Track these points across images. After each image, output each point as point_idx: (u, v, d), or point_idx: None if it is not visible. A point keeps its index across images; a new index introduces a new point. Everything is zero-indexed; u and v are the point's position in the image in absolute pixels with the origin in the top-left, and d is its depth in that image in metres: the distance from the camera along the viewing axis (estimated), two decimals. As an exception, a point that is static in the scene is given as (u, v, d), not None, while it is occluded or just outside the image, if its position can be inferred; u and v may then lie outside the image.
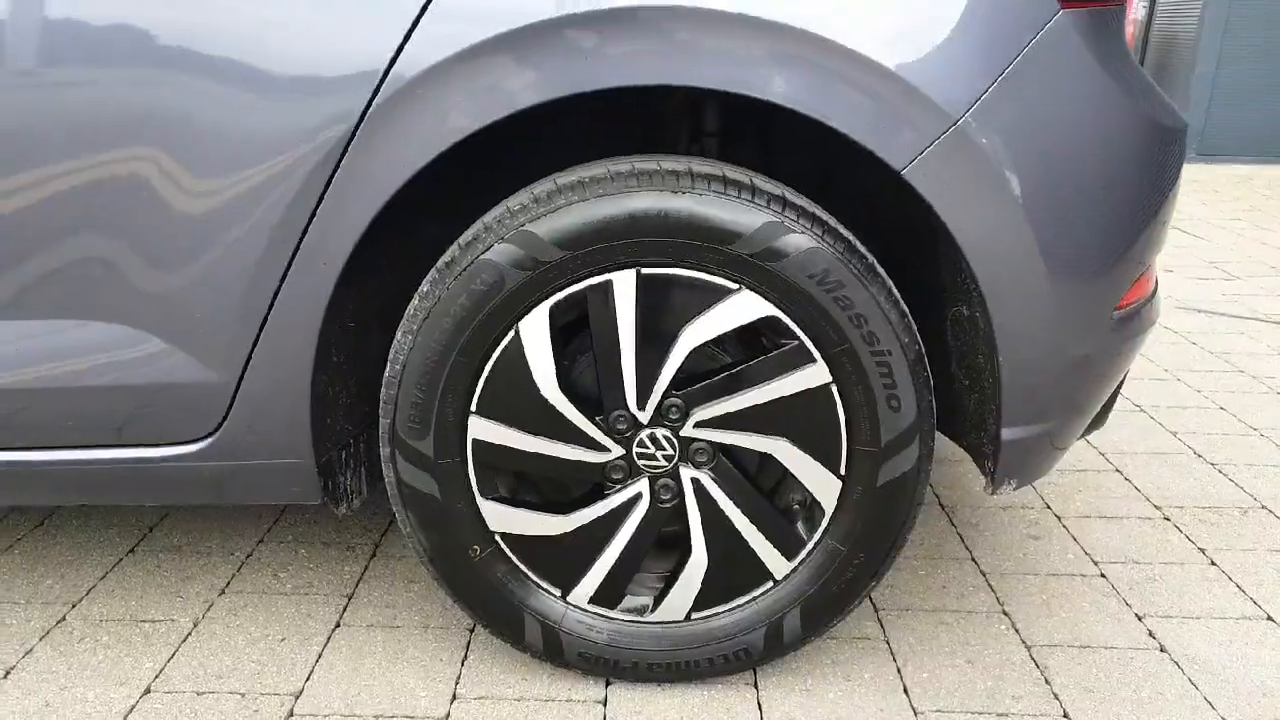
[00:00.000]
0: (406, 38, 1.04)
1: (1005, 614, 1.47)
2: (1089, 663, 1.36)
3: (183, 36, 1.05)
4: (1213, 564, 1.61)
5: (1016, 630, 1.43)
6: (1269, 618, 1.46)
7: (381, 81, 1.04)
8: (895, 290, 1.15)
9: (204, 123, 1.06)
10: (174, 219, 1.10)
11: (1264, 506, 1.80)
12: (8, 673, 1.31)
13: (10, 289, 1.14)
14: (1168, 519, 1.75)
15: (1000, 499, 1.81)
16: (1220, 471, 1.94)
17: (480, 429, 1.18)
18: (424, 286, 1.15)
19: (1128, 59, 1.19)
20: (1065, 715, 1.25)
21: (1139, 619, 1.46)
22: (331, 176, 1.08)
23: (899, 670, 1.34)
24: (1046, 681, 1.32)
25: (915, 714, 1.25)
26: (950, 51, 1.05)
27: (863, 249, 1.13)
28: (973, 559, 1.62)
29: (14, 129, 1.08)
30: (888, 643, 1.40)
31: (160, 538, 1.65)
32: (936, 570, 1.58)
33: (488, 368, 1.15)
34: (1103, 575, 1.57)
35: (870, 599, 1.49)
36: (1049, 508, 1.79)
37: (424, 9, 1.04)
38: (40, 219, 1.11)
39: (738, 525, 1.22)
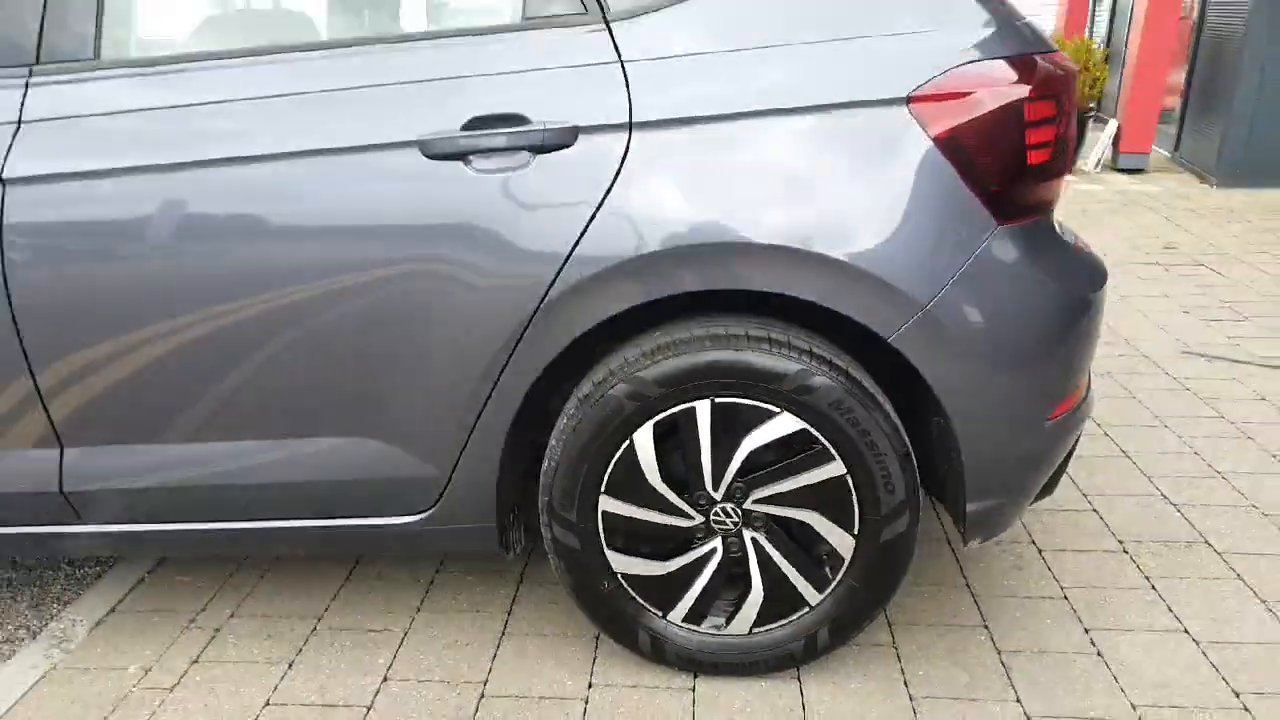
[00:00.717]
0: (564, 263, 1.61)
1: (986, 627, 2.00)
2: (1041, 663, 1.88)
3: (435, 239, 1.63)
4: (1153, 589, 2.11)
5: (993, 640, 1.96)
6: (1185, 631, 1.96)
7: (550, 285, 1.61)
8: (891, 411, 1.68)
9: (451, 298, 1.63)
10: (418, 367, 1.68)
11: (1207, 542, 2.28)
12: (290, 665, 1.93)
13: (306, 416, 1.75)
14: (1126, 551, 2.25)
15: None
16: (1179, 510, 2.42)
17: (607, 504, 1.75)
18: (569, 408, 1.73)
19: (1054, 245, 1.71)
20: (1017, 699, 1.78)
21: (1086, 631, 1.97)
22: (523, 333, 1.64)
23: (902, 669, 1.88)
24: (1008, 677, 1.84)
25: (910, 700, 1.79)
26: (922, 260, 1.59)
27: (867, 385, 1.67)
28: (967, 584, 2.14)
29: (314, 311, 1.68)
30: (895, 648, 1.94)
31: (366, 569, 2.27)
32: (939, 593, 2.11)
33: (612, 464, 1.72)
34: (1065, 597, 2.09)
35: (885, 614, 2.03)
36: (1033, 542, 2.30)
37: (569, 255, 1.59)
38: (325, 369, 1.71)
39: (783, 569, 1.78)
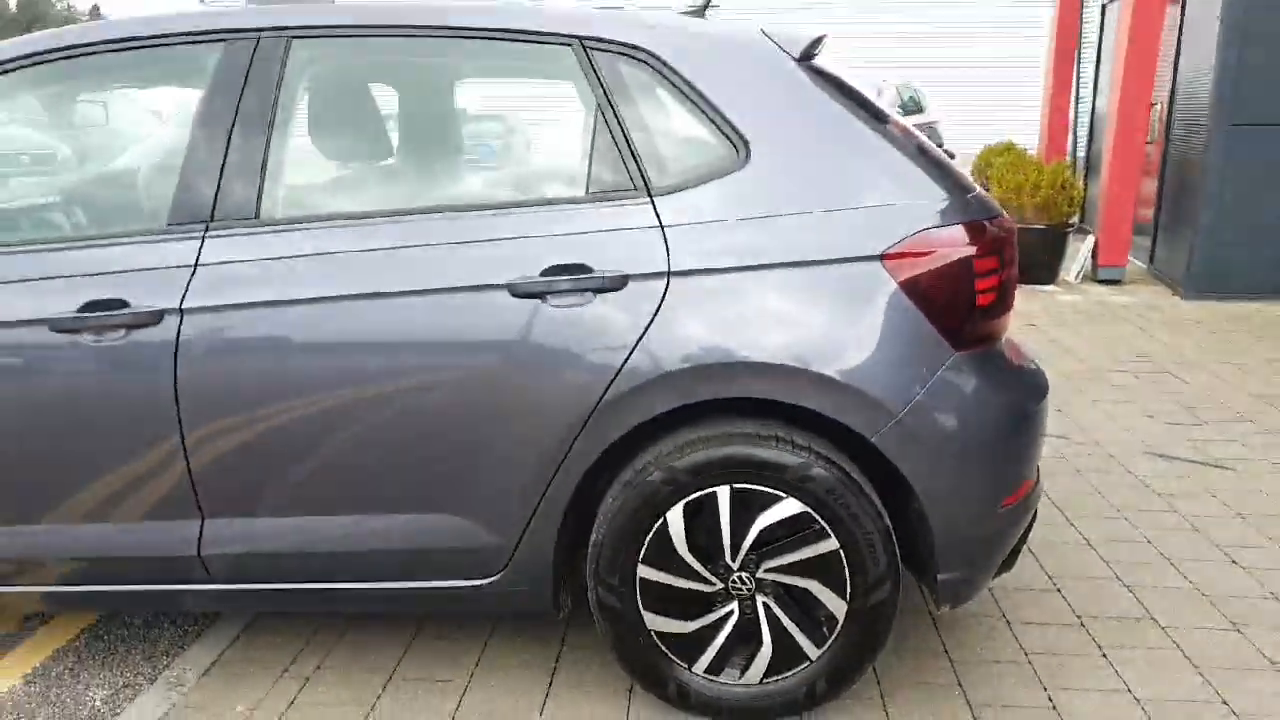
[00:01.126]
0: (614, 376, 2.04)
1: (960, 686, 2.36)
2: (1006, 716, 2.24)
3: (528, 352, 2.06)
4: (1104, 656, 2.48)
5: (965, 696, 2.32)
6: (1130, 692, 2.33)
7: (604, 393, 2.04)
8: (874, 497, 2.09)
9: (526, 401, 2.05)
10: (497, 457, 2.10)
11: (1151, 617, 2.66)
12: (372, 708, 2.29)
13: (403, 497, 2.15)
14: (1083, 625, 2.62)
15: (971, 608, 2.70)
16: (1130, 590, 2.80)
17: (645, 572, 2.14)
18: (614, 490, 2.13)
19: (1002, 367, 2.15)
20: (983, 743, 2.14)
21: (1044, 689, 2.34)
22: (581, 429, 2.06)
23: (887, 715, 2.24)
24: (976, 724, 2.21)
25: (894, 741, 2.15)
26: (895, 379, 2.02)
27: (855, 475, 2.08)
28: (945, 650, 2.51)
29: (424, 414, 2.10)
30: (882, 699, 2.30)
31: (429, 628, 2.64)
32: (920, 657, 2.48)
33: (648, 538, 2.12)
34: (1029, 662, 2.45)
35: (875, 671, 2.40)
36: (1003, 615, 2.68)
37: (619, 370, 2.03)
38: (423, 458, 2.12)
39: (789, 628, 2.15)
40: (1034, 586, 2.84)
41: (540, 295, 2.04)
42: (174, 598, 2.28)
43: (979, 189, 2.25)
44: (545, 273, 2.04)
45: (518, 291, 2.04)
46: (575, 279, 2.03)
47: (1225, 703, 2.29)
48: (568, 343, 2.04)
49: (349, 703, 2.31)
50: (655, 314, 2.02)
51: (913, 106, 13.55)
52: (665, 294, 2.03)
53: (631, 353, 2.03)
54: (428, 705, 2.30)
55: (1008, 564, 2.29)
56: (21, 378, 2.13)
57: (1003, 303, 2.14)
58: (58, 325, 2.10)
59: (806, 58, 2.19)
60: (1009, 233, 2.16)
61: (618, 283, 2.03)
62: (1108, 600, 2.75)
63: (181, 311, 2.07)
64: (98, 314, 2.08)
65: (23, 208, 2.74)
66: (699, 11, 2.61)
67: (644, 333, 2.02)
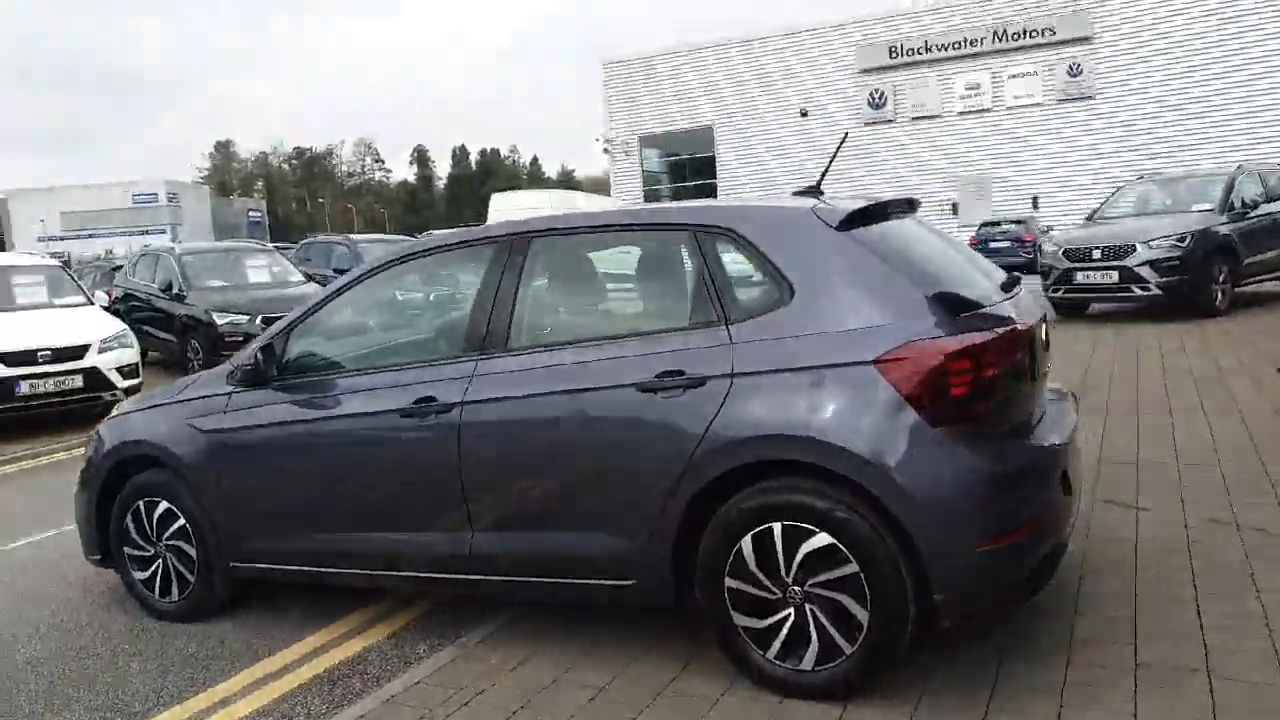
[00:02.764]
0: (700, 440, 3.09)
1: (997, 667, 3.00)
2: (1024, 686, 2.87)
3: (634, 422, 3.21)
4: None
5: (997, 673, 2.96)
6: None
7: (695, 449, 3.10)
8: (885, 534, 2.90)
9: (650, 455, 3.16)
10: (635, 491, 3.22)
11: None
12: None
13: (571, 518, 3.34)
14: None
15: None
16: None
17: (729, 583, 3.12)
18: (710, 523, 3.14)
19: (982, 439, 2.89)
20: (988, 701, 2.80)
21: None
22: (683, 473, 3.10)
23: (918, 701, 2.96)
24: (992, 688, 2.86)
25: (915, 711, 2.88)
26: (887, 447, 2.86)
27: (871, 521, 2.91)
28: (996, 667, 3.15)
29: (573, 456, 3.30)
30: (922, 686, 3.02)
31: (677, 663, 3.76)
32: (949, 649, 3.14)
33: (731, 556, 3.10)
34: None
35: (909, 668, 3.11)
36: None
37: (703, 437, 3.08)
38: (590, 493, 3.31)
39: (830, 629, 3.00)
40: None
41: (653, 389, 3.17)
42: (459, 585, 3.64)
43: (994, 307, 3.04)
44: (657, 375, 3.18)
45: (641, 387, 3.19)
46: (675, 379, 3.15)
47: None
48: (671, 417, 3.14)
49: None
50: (724, 402, 3.07)
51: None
52: (730, 389, 3.07)
53: (709, 426, 3.08)
54: (679, 706, 3.41)
55: (1016, 598, 2.95)
56: (380, 444, 3.65)
57: (982, 396, 2.90)
58: (403, 412, 3.59)
59: (845, 226, 3.17)
60: (986, 343, 2.92)
61: (700, 382, 3.11)
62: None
63: (463, 404, 3.48)
64: (423, 404, 3.55)
65: (392, 345, 4.39)
66: (814, 191, 3.67)
67: (716, 414, 3.07)
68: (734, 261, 3.26)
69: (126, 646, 4.02)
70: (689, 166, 38.59)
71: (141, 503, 4.16)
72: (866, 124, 34.58)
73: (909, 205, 3.72)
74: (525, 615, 3.91)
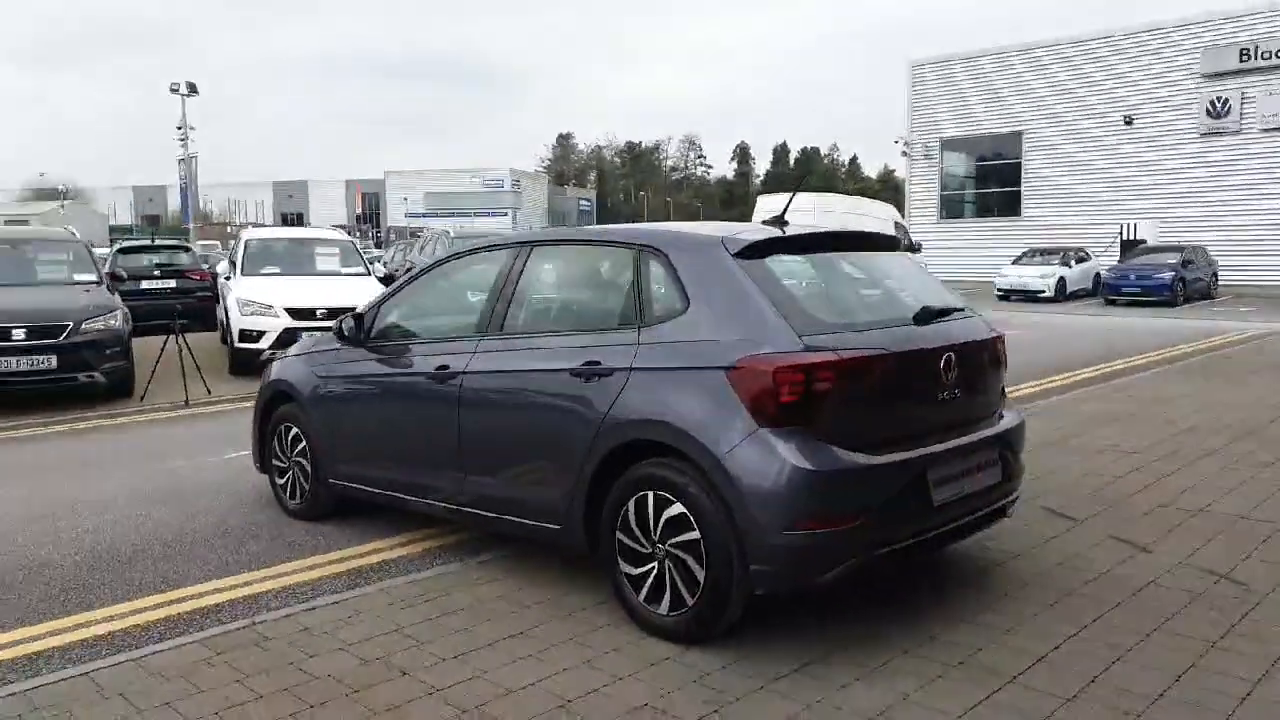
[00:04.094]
0: (604, 418, 3.85)
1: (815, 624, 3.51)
2: (860, 644, 3.38)
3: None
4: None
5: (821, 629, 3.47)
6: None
7: (600, 425, 3.87)
8: (721, 513, 3.51)
9: (569, 424, 3.99)
10: (559, 454, 4.04)
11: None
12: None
13: (527, 469, 4.22)
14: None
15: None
16: None
17: (619, 536, 3.84)
18: (613, 487, 3.89)
19: (801, 439, 3.41)
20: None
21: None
22: (591, 444, 3.88)
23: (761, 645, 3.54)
24: (829, 653, 3.40)
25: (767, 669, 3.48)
26: (725, 437, 3.47)
27: (711, 498, 3.52)
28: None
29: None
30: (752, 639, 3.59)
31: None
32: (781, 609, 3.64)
33: (620, 517, 3.83)
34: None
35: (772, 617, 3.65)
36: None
37: (605, 415, 3.85)
38: (529, 455, 4.17)
39: (680, 583, 3.64)
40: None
41: (580, 375, 3.97)
42: (457, 515, 4.65)
43: (856, 335, 3.56)
44: (583, 363, 3.97)
45: (573, 372, 4.00)
46: (593, 369, 3.92)
47: None
48: (588, 397, 3.93)
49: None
50: (623, 389, 3.81)
51: None
52: (628, 380, 3.80)
53: (610, 408, 3.84)
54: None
55: (824, 580, 3.45)
56: (416, 399, 4.72)
57: (809, 406, 3.42)
58: (429, 376, 4.64)
59: (742, 255, 3.77)
60: (830, 363, 3.44)
61: (609, 371, 3.87)
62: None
63: (464, 373, 4.48)
64: (441, 371, 4.58)
65: (437, 324, 5.43)
66: (777, 221, 4.26)
67: (617, 397, 3.82)
68: (657, 278, 3.97)
69: (257, 529, 5.45)
70: (992, 173, 36.92)
71: (281, 427, 5.59)
72: (1204, 134, 31.25)
73: (856, 239, 4.21)
74: (524, 552, 4.82)
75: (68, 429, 8.78)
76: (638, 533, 3.78)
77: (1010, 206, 35.46)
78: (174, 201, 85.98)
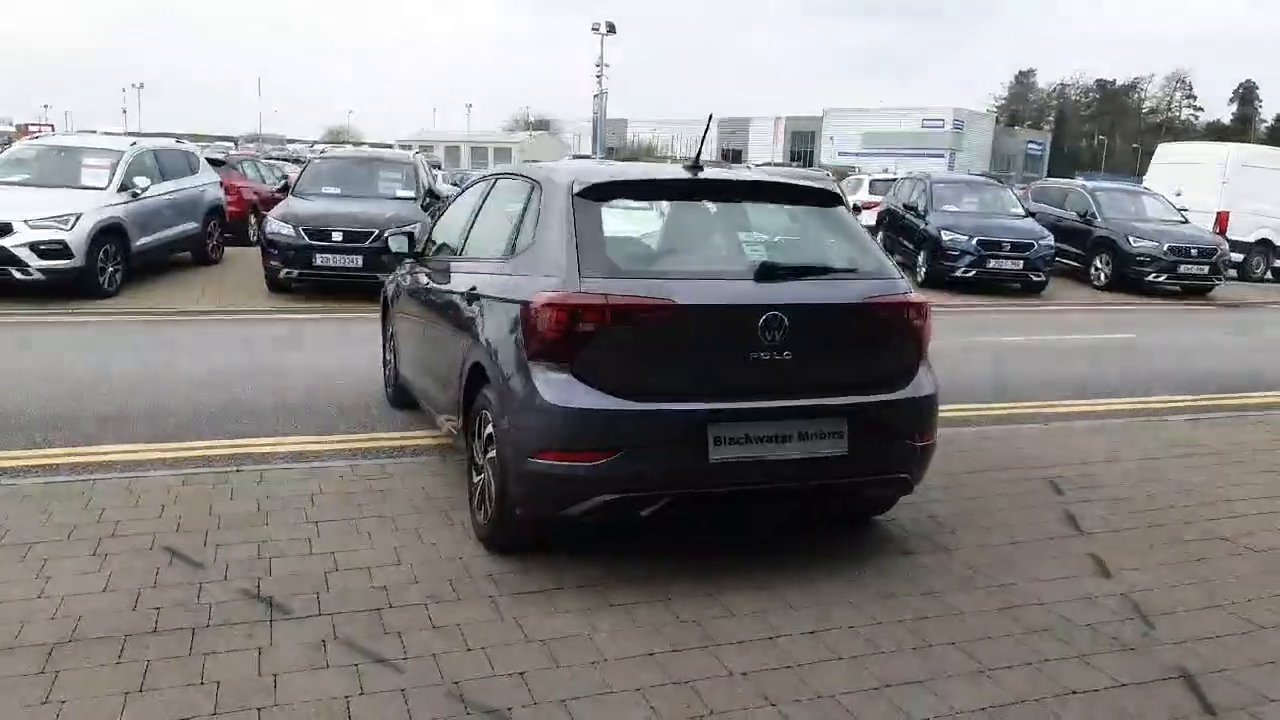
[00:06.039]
0: (474, 334, 4.23)
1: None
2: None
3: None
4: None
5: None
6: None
7: (472, 340, 4.26)
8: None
9: (461, 336, 4.43)
10: (456, 358, 4.48)
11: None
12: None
13: (447, 363, 4.71)
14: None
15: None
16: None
17: (473, 442, 4.23)
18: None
19: (552, 375, 3.53)
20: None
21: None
22: (469, 350, 4.30)
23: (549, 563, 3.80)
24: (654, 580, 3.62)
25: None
26: (507, 363, 3.71)
27: (498, 419, 3.79)
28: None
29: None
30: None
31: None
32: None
33: (474, 426, 4.21)
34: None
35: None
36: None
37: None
38: (445, 353, 4.66)
39: (490, 496, 3.95)
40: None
41: (468, 299, 4.35)
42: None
43: (646, 283, 3.58)
44: (469, 288, 4.34)
45: (465, 296, 4.40)
46: (472, 292, 4.29)
47: None
48: (466, 320, 4.32)
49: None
50: (480, 314, 4.14)
51: None
52: (484, 306, 4.12)
53: (473, 329, 4.21)
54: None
55: (572, 514, 3.58)
56: (425, 306, 5.35)
57: (570, 344, 3.52)
58: (427, 289, 5.24)
59: (584, 195, 3.87)
60: (597, 307, 3.50)
61: (478, 297, 4.21)
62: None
63: (440, 289, 5.01)
64: (435, 279, 5.17)
65: (444, 244, 5.86)
66: (693, 167, 4.25)
67: (475, 320, 4.18)
68: (530, 213, 4.17)
69: (344, 407, 6.56)
70: None
71: (384, 323, 6.60)
72: None
73: (771, 190, 4.14)
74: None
75: (359, 316, 10.72)
76: (476, 444, 4.14)
77: None
78: (629, 134, 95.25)
